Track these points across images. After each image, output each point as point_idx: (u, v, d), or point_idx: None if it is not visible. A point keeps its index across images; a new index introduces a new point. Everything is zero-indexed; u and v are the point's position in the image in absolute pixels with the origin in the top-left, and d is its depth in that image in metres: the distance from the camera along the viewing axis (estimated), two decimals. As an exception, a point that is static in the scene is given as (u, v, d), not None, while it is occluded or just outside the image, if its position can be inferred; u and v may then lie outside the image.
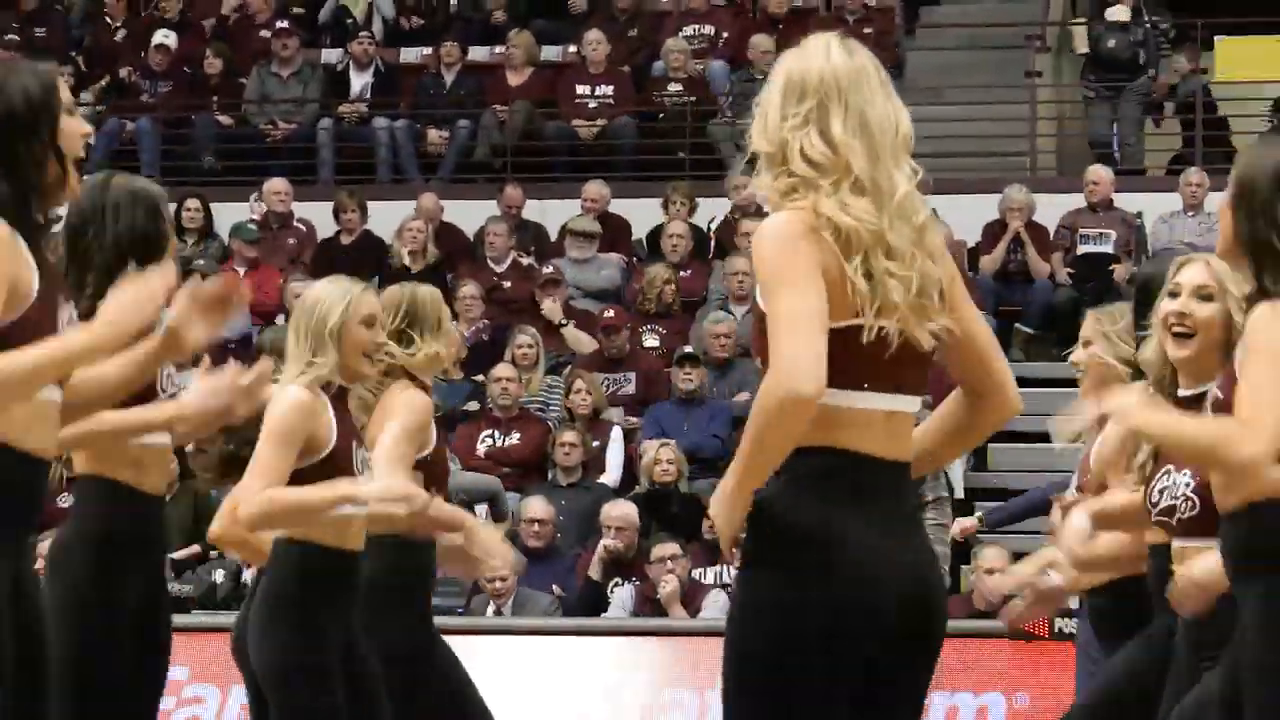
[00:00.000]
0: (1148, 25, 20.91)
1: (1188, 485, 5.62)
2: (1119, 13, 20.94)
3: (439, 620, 8.83)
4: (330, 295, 7.19)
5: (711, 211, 19.19)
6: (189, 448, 7.54)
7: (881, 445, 4.57)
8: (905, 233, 4.54)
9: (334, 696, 7.06)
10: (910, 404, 4.66)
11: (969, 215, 18.41)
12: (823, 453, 4.53)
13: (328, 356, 7.03)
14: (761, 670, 4.54)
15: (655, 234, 19.28)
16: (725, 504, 4.60)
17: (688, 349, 16.98)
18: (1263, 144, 5.64)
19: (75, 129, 5.37)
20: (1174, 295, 5.77)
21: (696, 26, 21.81)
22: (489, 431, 15.74)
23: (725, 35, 21.75)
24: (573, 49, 21.68)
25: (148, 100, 21.87)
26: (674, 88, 21.07)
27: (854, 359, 4.51)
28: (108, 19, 22.88)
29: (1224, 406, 5.15)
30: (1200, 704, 6.47)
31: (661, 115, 21.07)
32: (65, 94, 5.40)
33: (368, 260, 18.10)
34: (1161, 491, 5.72)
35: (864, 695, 4.48)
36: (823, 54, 4.63)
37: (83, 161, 5.44)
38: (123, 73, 22.34)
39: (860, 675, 4.46)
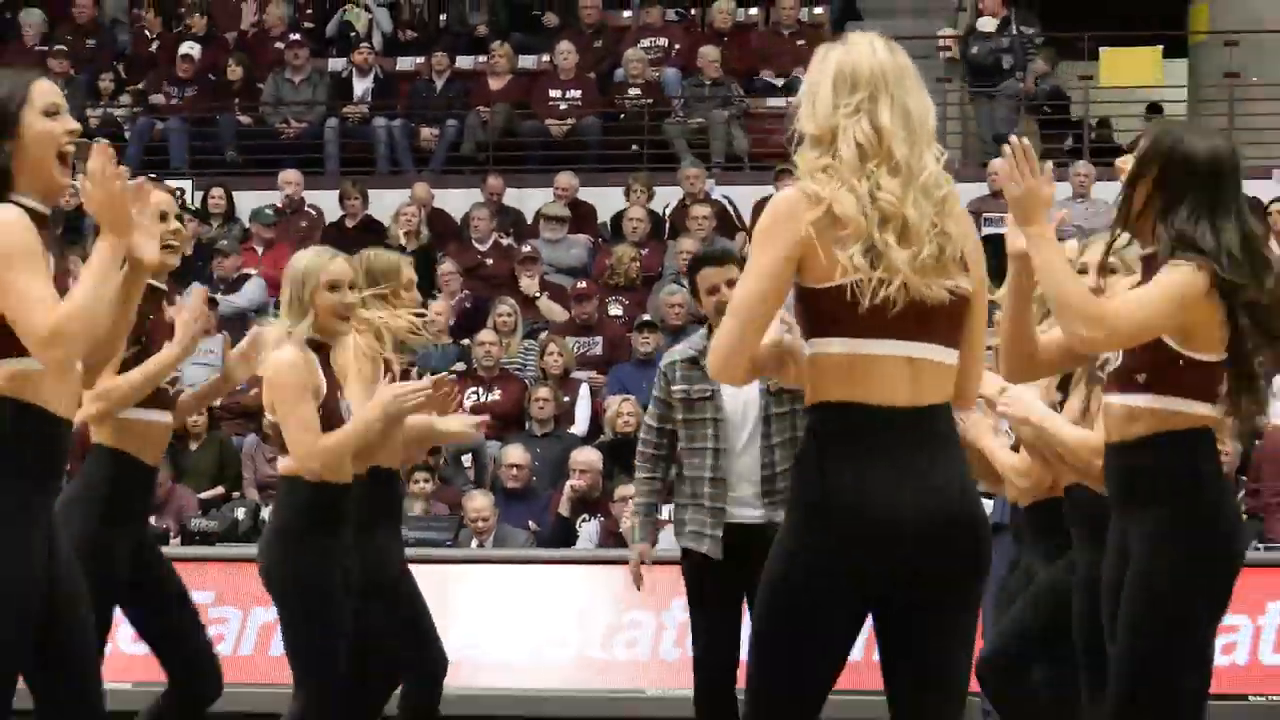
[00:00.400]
0: (1015, 34, 20.95)
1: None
2: (986, 24, 21.07)
3: (430, 552, 8.86)
4: (304, 263, 7.18)
5: (666, 198, 19.17)
6: (219, 403, 7.61)
7: (903, 393, 4.51)
8: (926, 207, 4.51)
9: (339, 614, 7.09)
10: (933, 352, 4.56)
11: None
12: (843, 408, 4.51)
13: (306, 318, 7.01)
14: (785, 605, 4.51)
15: (618, 218, 19.29)
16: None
17: (646, 317, 16.92)
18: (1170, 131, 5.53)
19: (49, 129, 5.28)
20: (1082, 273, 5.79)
21: (652, 39, 21.76)
22: (474, 389, 15.74)
23: (677, 47, 21.69)
24: (546, 58, 21.62)
25: (177, 103, 21.80)
26: (633, 92, 21.04)
27: (848, 315, 4.49)
28: (145, 33, 22.79)
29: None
30: (1054, 588, 7.01)
31: (622, 115, 21.03)
32: (45, 99, 5.32)
33: (369, 241, 17.90)
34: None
35: (898, 634, 4.47)
36: (870, 51, 4.62)
37: (67, 157, 5.35)
38: (154, 79, 22.25)
39: (892, 619, 4.48)
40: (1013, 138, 5.35)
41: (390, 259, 8.32)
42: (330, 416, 7.09)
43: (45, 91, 5.36)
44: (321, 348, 7.19)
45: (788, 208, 4.59)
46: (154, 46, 22.54)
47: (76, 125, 5.43)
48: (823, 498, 4.47)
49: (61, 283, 5.24)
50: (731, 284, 7.25)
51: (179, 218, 6.81)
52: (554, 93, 21.18)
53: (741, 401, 7.69)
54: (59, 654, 5.39)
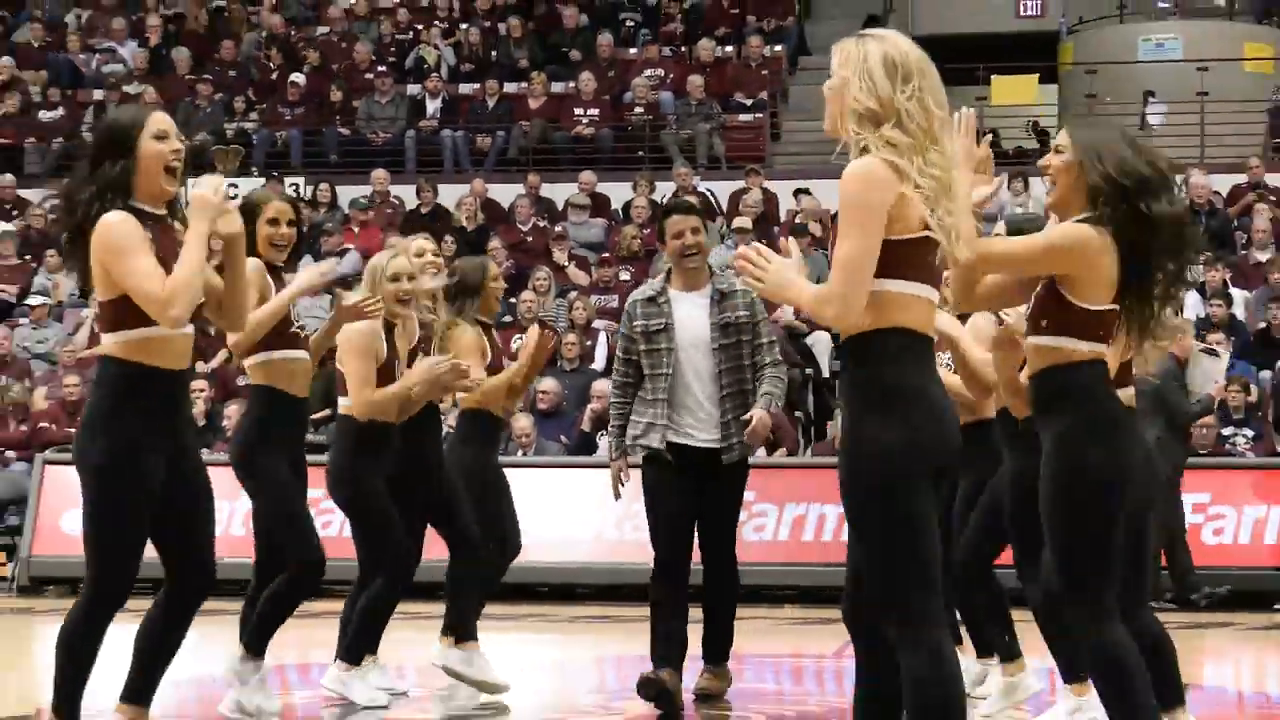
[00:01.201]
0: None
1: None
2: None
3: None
4: (376, 260, 7.55)
5: (663, 191, 19.00)
6: None
7: (929, 326, 4.39)
8: (962, 179, 4.43)
9: (382, 507, 7.47)
10: (935, 295, 4.43)
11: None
12: (899, 333, 4.29)
13: (379, 301, 7.23)
14: (901, 485, 4.26)
15: (627, 206, 19.20)
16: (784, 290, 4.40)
17: (649, 280, 16.83)
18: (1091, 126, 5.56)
19: (159, 149, 5.37)
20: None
21: (652, 70, 21.69)
22: (518, 335, 15.75)
23: (671, 76, 21.63)
24: (572, 84, 21.54)
25: (290, 118, 21.73)
26: (638, 110, 20.97)
27: (922, 263, 4.33)
28: (269, 66, 22.68)
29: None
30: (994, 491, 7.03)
31: (629, 127, 20.96)
32: (157, 126, 5.42)
33: (438, 223, 18.03)
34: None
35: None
36: (908, 45, 4.40)
37: (174, 171, 5.43)
38: (275, 101, 22.18)
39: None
40: (963, 110, 5.18)
41: (476, 262, 8.45)
42: (387, 376, 7.35)
43: (157, 120, 5.45)
44: (390, 324, 7.43)
45: (881, 176, 4.27)
46: (274, 76, 22.43)
47: (180, 146, 5.47)
48: (908, 401, 4.28)
49: (171, 255, 5.32)
50: (696, 231, 7.24)
51: (291, 223, 6.75)
52: (578, 110, 21.14)
53: (692, 334, 7.28)
54: (179, 534, 5.49)
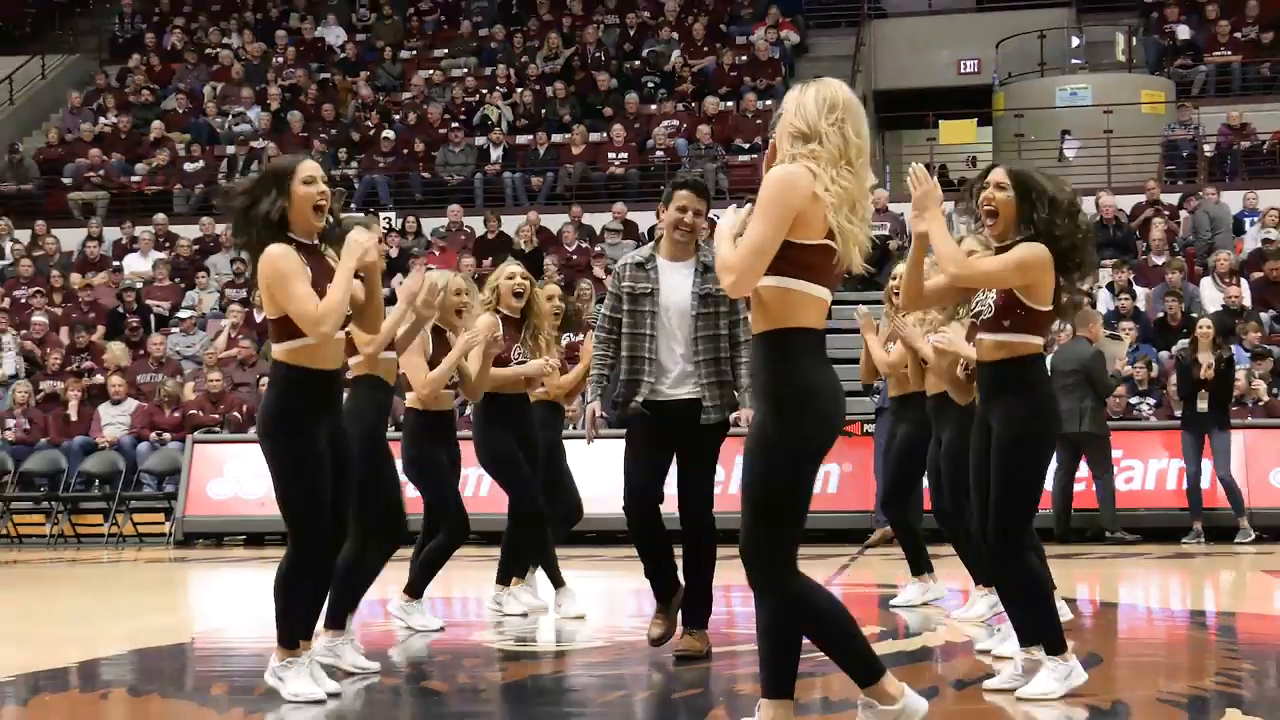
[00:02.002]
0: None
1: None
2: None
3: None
4: (441, 278, 7.26)
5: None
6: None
7: (822, 321, 4.25)
8: (868, 204, 4.26)
9: (442, 476, 7.50)
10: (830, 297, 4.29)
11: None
12: (801, 333, 4.18)
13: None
14: (804, 465, 4.19)
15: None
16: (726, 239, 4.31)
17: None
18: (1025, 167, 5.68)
19: (308, 192, 5.43)
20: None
21: (670, 122, 21.63)
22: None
23: (684, 126, 21.56)
24: (605, 135, 21.48)
25: (383, 165, 21.71)
26: (659, 153, 20.91)
27: (821, 266, 4.18)
28: (367, 124, 22.67)
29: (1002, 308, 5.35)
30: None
31: (652, 168, 20.87)
32: (307, 173, 5.47)
33: (502, 247, 18.00)
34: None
35: None
36: (839, 87, 4.29)
37: (321, 210, 5.49)
38: (371, 151, 22.15)
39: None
40: (914, 165, 5.32)
41: (547, 289, 8.72)
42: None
43: (307, 167, 5.50)
44: (441, 330, 7.41)
45: (800, 180, 4.18)
46: (370, 132, 22.41)
47: (326, 189, 5.52)
48: (815, 395, 4.17)
49: (320, 277, 5.43)
50: (697, 214, 6.53)
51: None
52: (610, 155, 21.09)
53: (675, 300, 6.48)
54: (340, 495, 5.62)
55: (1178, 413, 13.80)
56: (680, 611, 6.67)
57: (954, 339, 6.58)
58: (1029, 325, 5.35)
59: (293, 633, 5.49)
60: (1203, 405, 12.88)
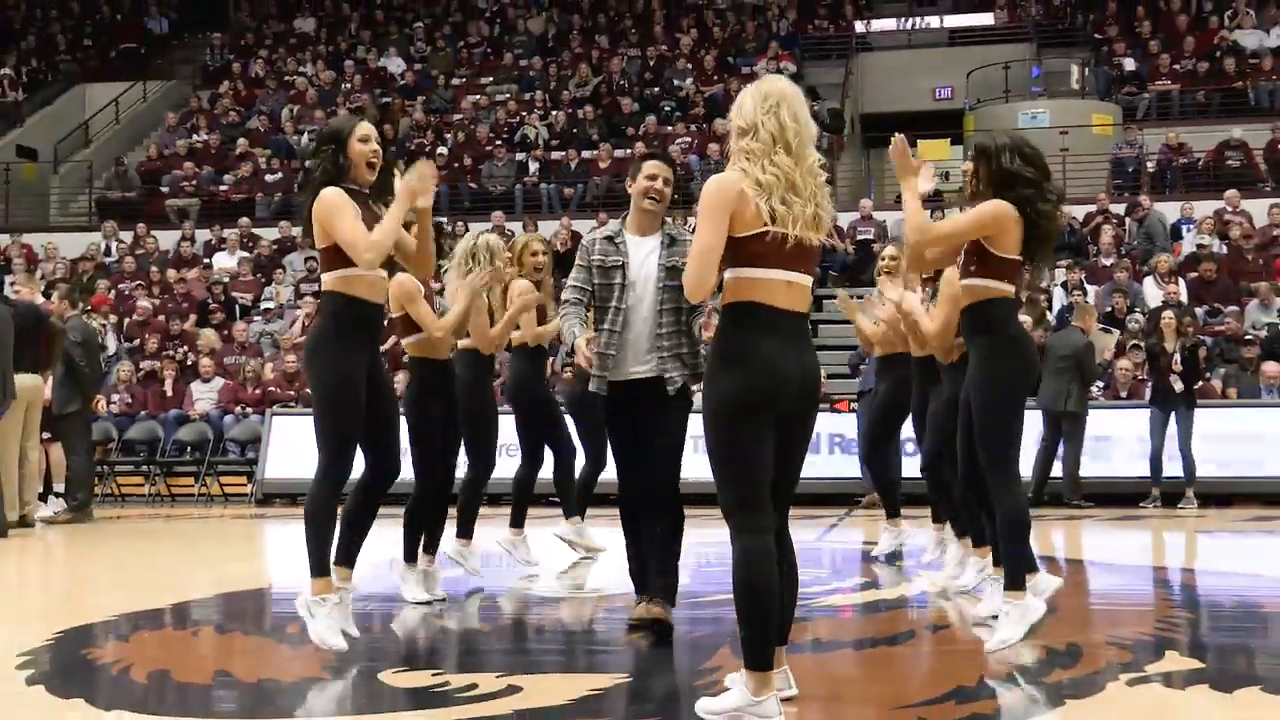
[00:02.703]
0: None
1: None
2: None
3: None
4: (491, 239, 7.01)
5: (692, 225, 18.86)
6: None
7: (782, 300, 3.93)
8: (810, 181, 3.94)
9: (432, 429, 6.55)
10: (804, 279, 3.99)
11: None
12: (747, 305, 3.93)
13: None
14: (726, 421, 3.90)
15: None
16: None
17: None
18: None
19: (363, 149, 5.27)
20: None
21: (682, 140, 21.53)
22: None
23: (696, 143, 21.47)
24: (628, 151, 21.39)
25: (437, 178, 21.63)
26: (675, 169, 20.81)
27: (764, 252, 3.91)
28: (422, 140, 22.61)
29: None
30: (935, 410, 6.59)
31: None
32: (362, 131, 5.31)
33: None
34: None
35: (780, 440, 3.96)
36: (780, 81, 4.06)
37: (374, 165, 5.31)
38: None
39: (775, 428, 3.94)
40: (895, 136, 5.18)
41: (531, 245, 7.89)
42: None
43: (362, 127, 5.35)
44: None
45: (726, 183, 3.93)
46: (425, 148, 22.37)
47: (378, 148, 5.36)
48: (743, 358, 3.91)
49: (369, 221, 5.20)
50: (666, 183, 5.75)
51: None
52: (633, 169, 21.04)
53: (643, 275, 5.63)
54: (372, 434, 5.27)
55: (1123, 394, 13.71)
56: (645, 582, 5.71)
57: (913, 302, 6.57)
58: (995, 271, 5.15)
59: (322, 562, 5.17)
60: (1177, 385, 12.71)
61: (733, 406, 3.89)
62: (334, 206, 5.13)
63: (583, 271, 5.75)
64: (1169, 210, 18.15)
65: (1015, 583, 5.15)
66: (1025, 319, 12.72)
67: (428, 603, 6.56)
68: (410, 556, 6.67)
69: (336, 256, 5.16)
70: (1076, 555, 9.52)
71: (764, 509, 3.95)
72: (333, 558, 5.28)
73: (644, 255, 5.67)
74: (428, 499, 6.63)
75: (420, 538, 6.69)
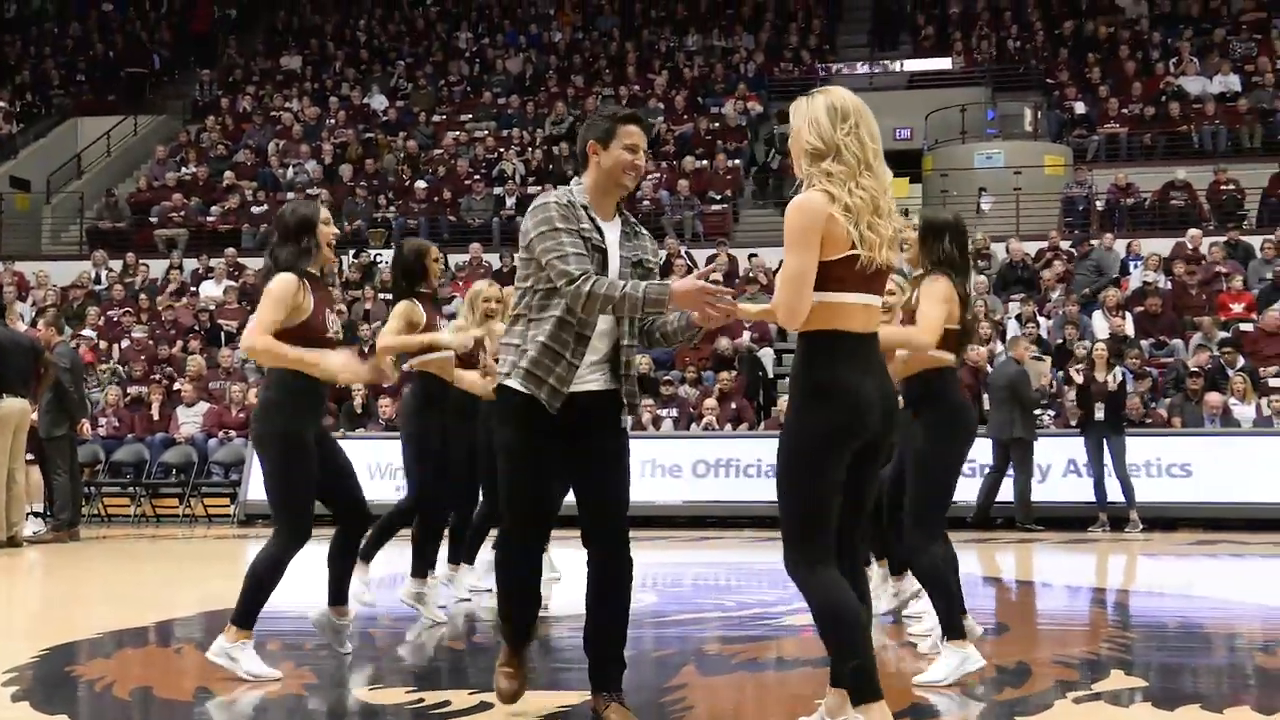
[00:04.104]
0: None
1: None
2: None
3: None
4: (477, 288, 7.14)
5: (661, 255, 18.90)
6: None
7: (859, 324, 3.67)
8: (888, 202, 3.68)
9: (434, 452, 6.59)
10: (878, 301, 3.73)
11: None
12: (831, 334, 3.66)
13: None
14: (815, 456, 3.62)
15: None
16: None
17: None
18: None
19: (325, 231, 5.25)
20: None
21: (654, 175, 21.61)
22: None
23: (666, 179, 21.53)
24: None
25: (418, 210, 21.64)
26: (645, 203, 20.87)
27: (848, 276, 3.64)
28: (403, 175, 22.57)
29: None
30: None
31: (639, 214, 20.80)
32: (324, 215, 5.30)
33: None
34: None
35: (858, 463, 3.69)
36: (847, 94, 3.75)
37: (332, 245, 5.30)
38: (407, 199, 22.07)
39: (856, 453, 3.67)
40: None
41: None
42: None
43: (323, 211, 5.33)
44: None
45: (816, 206, 3.63)
46: (407, 182, 22.36)
47: (336, 231, 5.35)
48: (832, 390, 3.64)
49: (324, 302, 5.17)
50: (644, 154, 4.25)
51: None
52: (606, 204, 21.07)
53: (613, 269, 4.17)
54: (334, 478, 5.24)
55: (1074, 422, 13.79)
56: (595, 669, 4.23)
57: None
58: (939, 342, 5.09)
59: (249, 615, 5.06)
60: (1100, 415, 12.87)
61: (822, 441, 3.64)
62: (272, 294, 5.07)
63: (575, 236, 4.12)
64: (1117, 247, 18.29)
65: (954, 633, 4.97)
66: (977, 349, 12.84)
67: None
68: (419, 571, 6.66)
69: (284, 340, 5.07)
70: (1026, 577, 9.56)
71: (831, 536, 3.70)
72: (328, 599, 5.36)
73: (613, 244, 4.26)
74: (408, 513, 6.61)
75: (426, 554, 6.69)
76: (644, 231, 4.40)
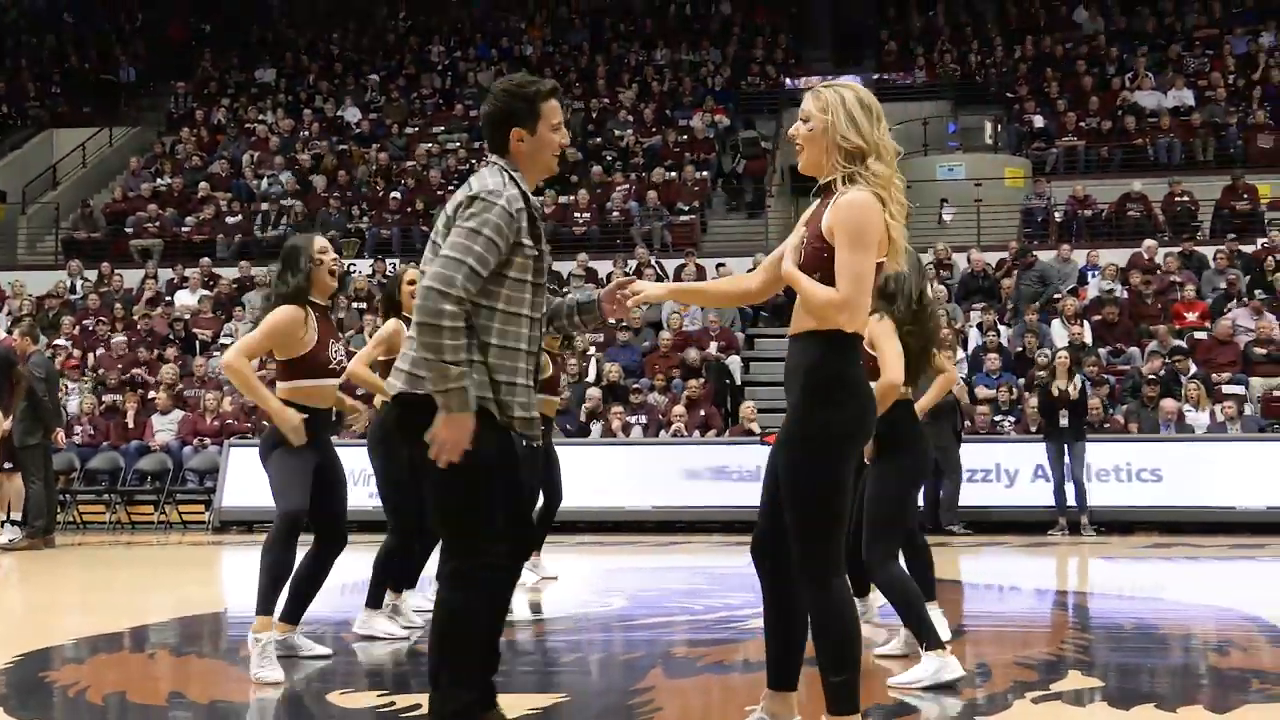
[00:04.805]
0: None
1: None
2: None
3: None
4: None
5: (631, 265, 19.00)
6: None
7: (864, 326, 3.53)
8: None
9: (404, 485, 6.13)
10: None
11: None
12: (849, 335, 3.44)
13: None
14: (836, 459, 3.40)
15: (609, 276, 18.91)
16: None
17: (624, 322, 16.72)
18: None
19: (323, 263, 5.33)
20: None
21: (624, 187, 21.63)
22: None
23: (635, 190, 21.56)
24: (572, 197, 21.50)
25: (391, 220, 21.54)
26: (615, 214, 20.90)
27: (875, 279, 3.44)
28: (377, 186, 22.38)
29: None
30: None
31: (610, 225, 20.86)
32: (319, 246, 5.36)
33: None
34: None
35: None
36: (866, 92, 3.54)
37: (334, 273, 5.40)
38: (400, 227, 21.94)
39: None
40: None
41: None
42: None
43: (320, 243, 5.39)
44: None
45: (876, 208, 3.40)
46: (380, 193, 22.26)
47: (336, 257, 5.44)
48: (852, 391, 3.45)
49: (326, 333, 5.35)
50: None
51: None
52: (576, 215, 21.04)
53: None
54: (325, 494, 5.37)
55: (1034, 428, 13.86)
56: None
57: None
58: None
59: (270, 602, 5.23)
60: (1064, 421, 12.95)
61: (844, 442, 3.44)
62: (270, 324, 5.23)
63: (493, 252, 3.53)
64: (1076, 257, 18.41)
65: (932, 643, 4.91)
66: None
67: (404, 635, 6.26)
68: (374, 602, 6.32)
69: (287, 370, 5.29)
70: (987, 580, 9.60)
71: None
72: (277, 614, 5.28)
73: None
74: (397, 550, 6.23)
75: (385, 587, 6.36)
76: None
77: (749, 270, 3.82)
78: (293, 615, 5.44)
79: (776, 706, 3.63)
